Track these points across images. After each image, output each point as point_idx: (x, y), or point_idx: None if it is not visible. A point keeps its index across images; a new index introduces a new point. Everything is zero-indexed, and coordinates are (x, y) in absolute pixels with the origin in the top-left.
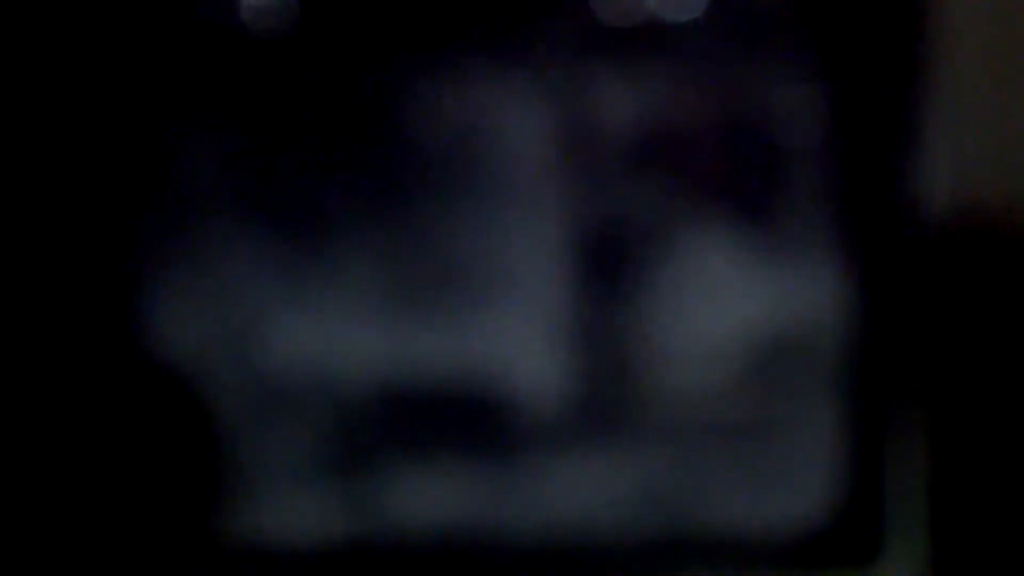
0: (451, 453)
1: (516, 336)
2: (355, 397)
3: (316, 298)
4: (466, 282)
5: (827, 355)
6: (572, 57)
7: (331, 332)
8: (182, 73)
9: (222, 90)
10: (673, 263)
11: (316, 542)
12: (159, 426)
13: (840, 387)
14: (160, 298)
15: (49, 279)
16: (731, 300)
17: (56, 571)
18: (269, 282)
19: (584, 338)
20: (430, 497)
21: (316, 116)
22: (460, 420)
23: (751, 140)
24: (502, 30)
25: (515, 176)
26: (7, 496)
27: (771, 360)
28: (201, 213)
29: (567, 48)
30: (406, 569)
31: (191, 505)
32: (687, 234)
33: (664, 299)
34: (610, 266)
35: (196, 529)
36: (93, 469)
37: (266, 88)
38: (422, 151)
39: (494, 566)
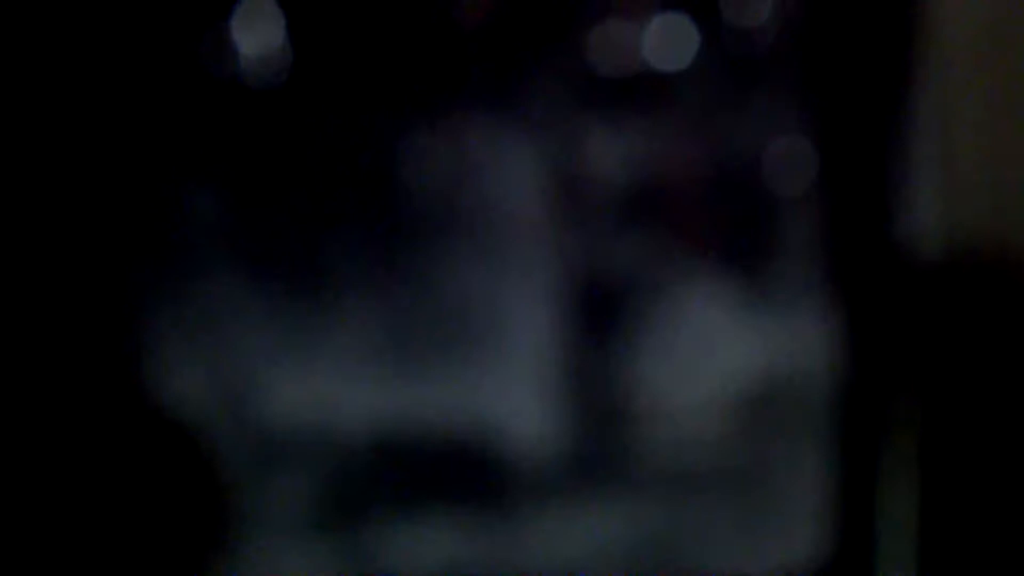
0: (446, 505)
1: (511, 388)
2: (350, 449)
3: (309, 350)
4: (461, 335)
5: (819, 402)
6: (566, 108)
7: (325, 384)
8: (175, 125)
9: (215, 142)
10: (666, 313)
11: None
12: (155, 477)
13: (832, 434)
14: (154, 350)
15: (48, 330)
16: (725, 349)
17: None
18: (263, 334)
19: (578, 389)
20: (425, 549)
21: (309, 169)
22: (455, 472)
23: (742, 187)
24: (496, 80)
25: (509, 228)
26: (2, 542)
27: (764, 408)
28: (194, 265)
29: (561, 100)
30: None
31: (186, 556)
32: (680, 283)
33: (658, 349)
34: (604, 318)
35: None
36: (89, 519)
37: (260, 140)
38: (416, 204)
39: None
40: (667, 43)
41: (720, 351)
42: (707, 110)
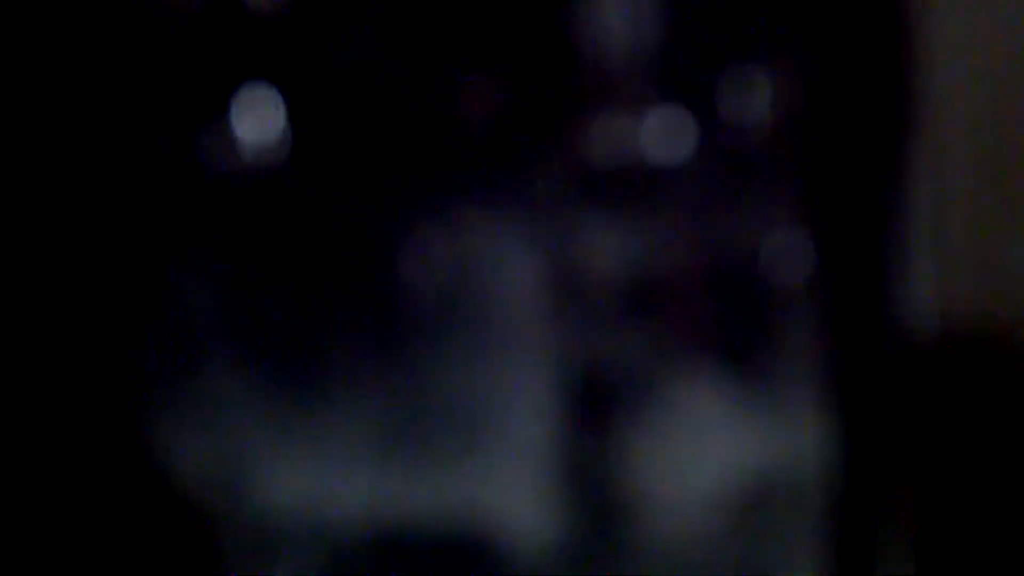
0: None
1: (508, 482)
2: (347, 540)
3: (309, 441)
4: (458, 427)
5: (816, 495)
6: (563, 202)
7: (323, 475)
8: (175, 214)
9: (216, 232)
10: (664, 409)
11: None
12: (153, 564)
13: (829, 526)
14: (155, 440)
15: (52, 418)
16: (722, 445)
17: None
18: (263, 424)
19: (575, 484)
20: None
21: (308, 260)
22: (454, 564)
23: (739, 284)
24: (494, 172)
25: (507, 321)
26: None
27: (762, 505)
28: (195, 355)
29: (558, 193)
30: None
31: None
32: (678, 379)
33: (655, 445)
34: (602, 412)
35: None
36: None
37: (259, 230)
38: (414, 295)
39: None
40: (664, 137)
41: (717, 445)
42: (704, 203)
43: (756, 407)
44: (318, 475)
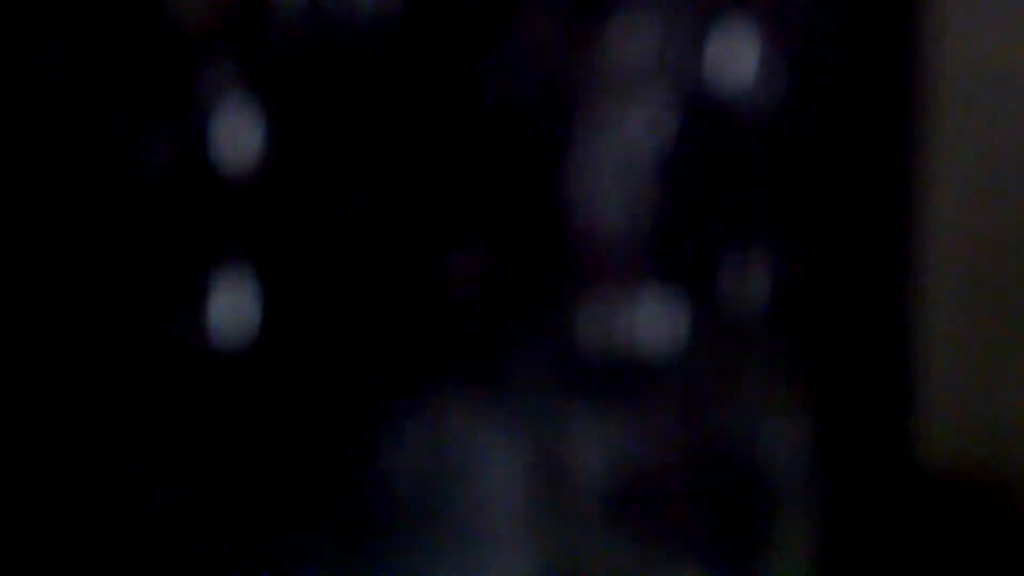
0: None
1: None
2: None
3: None
4: None
5: None
6: (548, 389)
7: None
8: (147, 392)
9: (186, 415)
10: None
11: None
12: None
13: None
14: None
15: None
16: None
17: None
18: None
19: None
20: None
21: (280, 443)
22: None
23: (731, 483)
24: (476, 355)
25: (485, 518)
26: None
27: None
28: (167, 539)
29: (543, 379)
30: None
31: None
32: None
33: None
34: None
35: None
36: None
37: (231, 415)
38: (388, 485)
39: None
40: (657, 320)
41: None
42: (697, 394)
43: None
44: None
